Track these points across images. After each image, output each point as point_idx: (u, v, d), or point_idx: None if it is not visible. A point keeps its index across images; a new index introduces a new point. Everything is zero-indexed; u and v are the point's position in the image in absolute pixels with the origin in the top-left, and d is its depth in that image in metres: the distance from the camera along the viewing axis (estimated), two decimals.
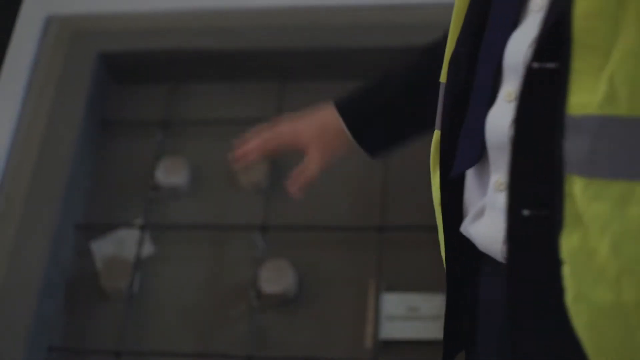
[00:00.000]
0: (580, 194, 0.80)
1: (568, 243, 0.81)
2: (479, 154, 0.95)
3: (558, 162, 0.82)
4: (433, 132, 1.05)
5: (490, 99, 0.94)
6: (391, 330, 1.87)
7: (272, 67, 2.22)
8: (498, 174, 0.93)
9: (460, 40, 0.99)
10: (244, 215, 2.08)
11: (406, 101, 1.37)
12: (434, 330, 1.85)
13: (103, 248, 2.08)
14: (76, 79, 2.18)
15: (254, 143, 1.45)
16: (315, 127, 1.41)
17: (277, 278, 1.95)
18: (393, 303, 1.89)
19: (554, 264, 0.82)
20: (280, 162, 2.13)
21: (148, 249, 2.07)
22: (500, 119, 0.91)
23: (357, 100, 1.40)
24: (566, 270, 0.82)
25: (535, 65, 0.84)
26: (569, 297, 0.82)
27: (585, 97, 0.80)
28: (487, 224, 0.95)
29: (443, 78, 1.03)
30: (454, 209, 1.02)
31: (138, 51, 2.24)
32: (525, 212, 0.85)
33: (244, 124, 2.19)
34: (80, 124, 2.11)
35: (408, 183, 2.02)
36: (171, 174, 2.12)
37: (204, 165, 2.18)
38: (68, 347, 1.98)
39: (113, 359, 1.90)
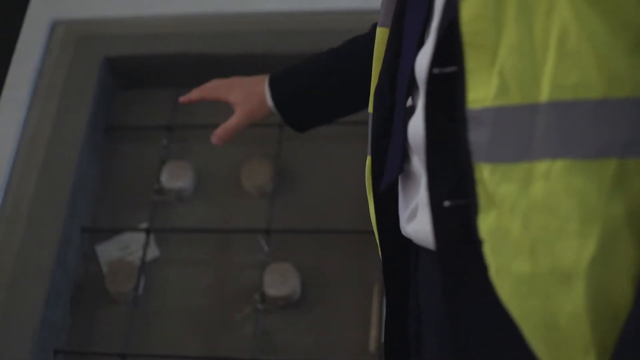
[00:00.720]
0: (489, 179, 0.88)
1: (485, 224, 0.89)
2: (401, 163, 1.05)
3: (466, 153, 0.90)
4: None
5: (407, 112, 1.03)
6: None
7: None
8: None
9: (382, 72, 1.09)
10: (248, 219, 2.09)
11: (330, 83, 1.61)
12: None
13: (108, 251, 2.10)
14: (81, 83, 2.20)
15: (196, 90, 1.76)
16: (246, 91, 1.67)
17: (281, 281, 1.96)
18: None
19: (477, 245, 0.90)
20: (285, 166, 2.15)
21: (153, 252, 2.08)
22: (417, 126, 0.99)
23: (288, 76, 1.64)
24: (486, 249, 0.90)
25: (436, 70, 0.93)
26: (492, 271, 0.90)
27: (481, 92, 0.88)
28: (421, 220, 1.03)
29: (370, 109, 1.13)
30: (391, 223, 1.14)
31: (143, 56, 2.26)
32: (446, 203, 0.95)
33: (248, 128, 2.21)
34: (85, 128, 2.13)
35: None
36: (176, 178, 2.14)
37: (208, 170, 2.19)
38: (74, 349, 1.99)
39: None
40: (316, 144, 2.18)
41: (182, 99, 1.75)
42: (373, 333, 1.89)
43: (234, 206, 2.13)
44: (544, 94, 0.84)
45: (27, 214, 2.01)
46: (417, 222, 1.04)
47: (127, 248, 2.10)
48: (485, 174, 0.88)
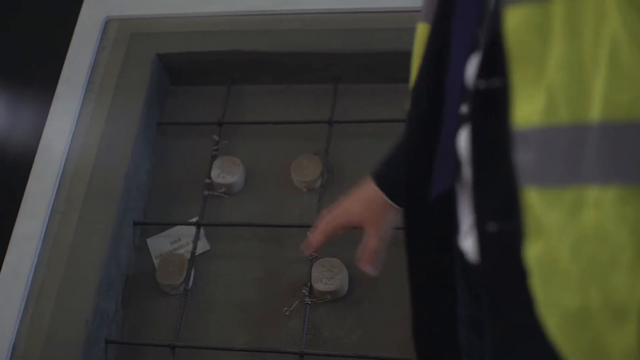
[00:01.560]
0: (537, 203, 0.82)
1: (532, 253, 0.83)
2: (452, 177, 1.00)
3: (513, 175, 0.83)
4: None
5: (459, 122, 0.98)
6: None
7: (326, 69, 2.25)
8: None
9: (421, 70, 1.05)
10: (297, 214, 2.11)
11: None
12: None
13: (159, 244, 2.13)
14: (134, 79, 2.23)
15: (315, 234, 1.52)
16: (363, 205, 1.46)
17: (329, 276, 1.98)
18: None
19: (524, 275, 0.84)
20: (333, 162, 2.16)
21: (203, 245, 2.11)
22: (466, 140, 0.95)
23: (390, 168, 1.43)
24: (534, 281, 0.83)
25: (481, 84, 0.87)
26: (540, 305, 0.84)
27: (527, 108, 0.81)
28: (472, 242, 0.98)
29: (407, 106, 1.08)
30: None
31: (195, 52, 2.29)
32: (492, 228, 0.89)
33: (297, 124, 2.23)
34: (138, 124, 2.16)
35: None
36: (226, 173, 2.16)
37: (258, 165, 2.21)
38: (125, 340, 2.02)
39: (168, 352, 1.94)
40: (364, 141, 2.19)
41: (307, 249, 1.59)
42: None
43: (283, 201, 2.15)
44: (595, 113, 0.77)
45: (81, 208, 2.04)
46: (470, 242, 0.99)
47: (177, 241, 2.13)
48: (533, 198, 0.82)
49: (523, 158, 0.82)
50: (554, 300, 0.82)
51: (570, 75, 0.79)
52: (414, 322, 1.17)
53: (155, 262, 2.10)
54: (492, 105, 0.87)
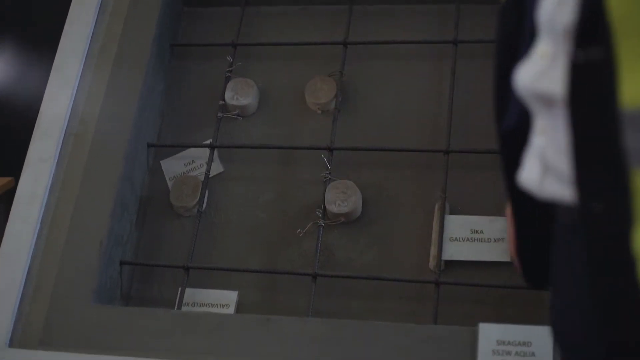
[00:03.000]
0: None
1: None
2: (518, 116, 0.97)
3: (621, 158, 0.78)
4: None
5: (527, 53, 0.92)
6: (454, 251, 1.89)
7: None
8: (537, 120, 0.92)
9: None
10: (312, 136, 2.10)
11: None
12: (496, 253, 1.86)
13: (173, 167, 2.13)
14: (147, 1, 2.20)
15: None
16: None
17: (343, 198, 1.97)
18: (457, 225, 1.91)
19: (631, 265, 0.79)
20: (348, 85, 2.14)
21: (217, 167, 2.10)
22: (530, 76, 0.89)
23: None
24: None
25: (580, 57, 0.79)
26: None
27: (636, 87, 0.75)
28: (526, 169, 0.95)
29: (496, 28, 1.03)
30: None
31: None
32: (597, 208, 0.82)
33: (312, 45, 2.21)
34: (151, 45, 2.14)
35: (475, 107, 2.02)
36: (240, 95, 2.15)
37: (272, 87, 2.20)
38: (139, 262, 2.04)
39: (182, 274, 1.95)
40: (380, 63, 2.17)
41: None
42: (433, 250, 1.90)
43: (298, 124, 2.14)
44: None
45: (95, 130, 2.04)
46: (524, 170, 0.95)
47: (191, 163, 2.13)
48: None
49: (632, 141, 0.76)
50: None
51: None
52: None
53: (169, 184, 2.11)
54: (591, 84, 0.79)
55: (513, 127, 0.99)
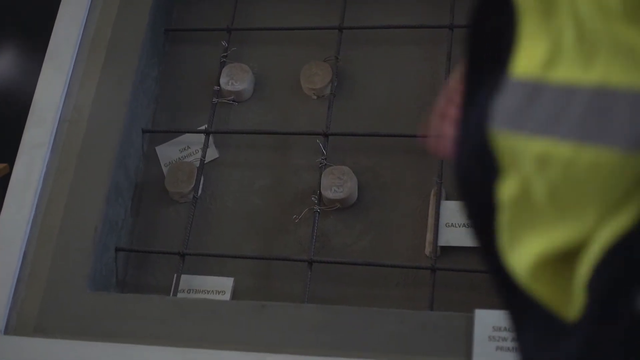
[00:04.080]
0: (510, 146, 0.79)
1: (505, 190, 0.81)
2: None
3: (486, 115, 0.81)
4: None
5: None
6: (450, 237, 1.89)
7: None
8: None
9: None
10: (307, 121, 2.09)
11: None
12: None
13: (168, 152, 2.12)
14: None
15: None
16: None
17: (338, 184, 1.97)
18: (453, 211, 1.90)
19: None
20: (343, 70, 2.13)
21: (212, 153, 2.10)
22: None
23: None
24: (502, 217, 0.82)
25: (487, 25, 0.86)
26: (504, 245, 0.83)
27: (527, 58, 0.78)
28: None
29: None
30: None
31: None
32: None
33: (307, 30, 2.20)
34: (145, 30, 2.13)
35: None
36: (235, 80, 2.14)
37: (267, 72, 2.19)
38: (134, 248, 2.03)
39: (177, 260, 1.94)
40: (375, 48, 2.16)
41: None
42: (429, 236, 1.89)
43: (293, 109, 2.13)
44: (594, 76, 0.73)
45: (88, 116, 2.03)
46: None
47: (186, 149, 2.12)
48: (506, 141, 0.79)
49: (507, 103, 0.79)
50: (517, 241, 0.81)
51: (576, 35, 0.75)
52: None
53: (164, 170, 2.10)
54: (497, 45, 0.84)
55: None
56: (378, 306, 1.77)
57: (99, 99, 2.05)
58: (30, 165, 1.98)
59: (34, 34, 2.67)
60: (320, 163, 1.99)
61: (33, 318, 1.83)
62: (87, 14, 2.15)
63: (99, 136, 2.01)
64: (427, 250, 1.89)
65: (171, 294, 1.91)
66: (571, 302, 0.78)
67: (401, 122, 2.05)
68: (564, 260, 0.78)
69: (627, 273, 0.72)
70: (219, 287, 1.94)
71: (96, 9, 2.16)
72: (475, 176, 0.86)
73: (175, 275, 1.93)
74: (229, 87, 2.13)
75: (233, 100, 2.14)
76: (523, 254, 0.80)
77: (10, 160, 2.04)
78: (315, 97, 2.12)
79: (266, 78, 2.18)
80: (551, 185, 0.76)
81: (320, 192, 1.97)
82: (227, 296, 1.93)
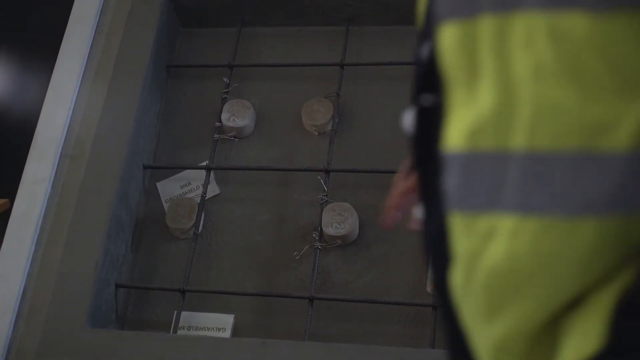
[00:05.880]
0: (459, 229, 0.78)
1: (454, 279, 0.79)
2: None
3: (442, 197, 0.80)
4: None
5: None
6: None
7: (338, 11, 2.21)
8: None
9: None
10: (308, 158, 2.09)
11: None
12: None
13: (169, 188, 2.12)
14: (144, 20, 2.20)
15: None
16: None
17: (340, 220, 1.96)
18: None
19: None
20: (345, 106, 2.14)
21: (213, 189, 2.10)
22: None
23: None
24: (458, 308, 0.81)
25: (427, 99, 0.85)
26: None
27: (456, 131, 0.77)
28: None
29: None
30: None
31: None
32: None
33: (309, 67, 2.20)
34: (147, 66, 2.13)
35: None
36: (237, 116, 2.14)
37: (269, 108, 2.19)
38: (135, 284, 2.02)
39: (178, 296, 1.94)
40: (376, 84, 2.17)
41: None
42: (430, 273, 1.88)
43: (294, 145, 2.13)
44: (520, 141, 0.73)
45: (90, 151, 2.03)
46: None
47: (187, 185, 2.12)
48: (457, 224, 0.78)
49: (449, 181, 0.78)
50: (471, 331, 0.80)
51: (497, 100, 0.74)
52: None
53: (165, 206, 2.10)
54: (430, 122, 0.85)
55: None
56: (379, 344, 1.76)
57: (101, 134, 2.05)
58: (31, 201, 1.98)
59: (36, 65, 2.67)
60: (322, 199, 1.99)
61: (32, 354, 1.82)
62: (89, 49, 2.15)
63: (100, 171, 2.01)
64: (429, 287, 1.88)
65: (171, 330, 1.90)
66: None
67: (402, 158, 2.04)
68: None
69: None
70: (219, 324, 1.94)
71: (99, 43, 2.16)
72: (439, 259, 0.84)
73: (175, 312, 1.92)
74: (231, 123, 2.13)
75: (234, 137, 2.14)
76: (488, 334, 0.78)
77: (11, 195, 2.04)
78: (316, 134, 2.12)
79: (268, 114, 2.18)
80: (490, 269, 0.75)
81: (321, 229, 1.97)
82: (227, 333, 1.92)
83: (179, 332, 1.90)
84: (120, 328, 1.97)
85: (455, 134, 0.77)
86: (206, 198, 2.06)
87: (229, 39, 2.26)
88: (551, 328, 0.74)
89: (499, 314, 0.76)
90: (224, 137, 2.14)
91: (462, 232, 0.77)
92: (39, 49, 2.41)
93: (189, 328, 1.93)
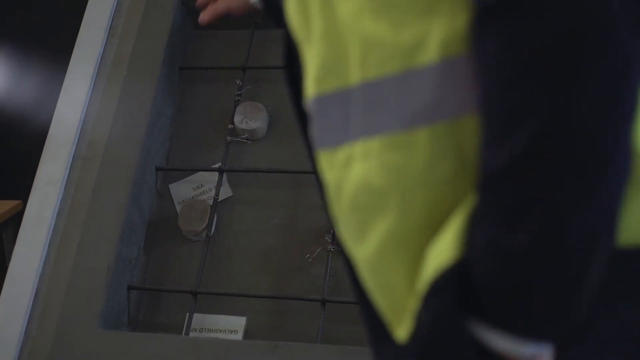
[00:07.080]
0: (324, 166, 0.88)
1: (334, 209, 0.89)
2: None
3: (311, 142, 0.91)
4: None
5: None
6: None
7: None
8: None
9: None
10: None
11: None
12: None
13: (181, 190, 2.12)
14: (157, 23, 2.20)
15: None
16: None
17: None
18: None
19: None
20: None
21: (226, 192, 2.09)
22: None
23: None
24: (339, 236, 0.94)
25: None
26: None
27: (308, 84, 0.87)
28: None
29: None
30: None
31: None
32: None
33: None
34: (160, 68, 2.13)
35: None
36: (249, 118, 2.14)
37: (281, 111, 2.18)
38: (147, 287, 2.02)
39: (190, 298, 1.93)
40: None
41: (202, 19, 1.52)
42: None
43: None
44: (355, 76, 0.82)
45: (103, 154, 2.03)
46: None
47: (200, 187, 2.12)
48: (322, 162, 0.88)
49: (312, 127, 0.88)
50: (352, 253, 0.89)
51: (331, 46, 0.83)
52: None
53: (178, 208, 2.10)
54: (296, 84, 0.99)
55: None
56: None
57: (114, 136, 2.05)
58: (44, 202, 1.98)
59: (52, 70, 2.68)
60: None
61: (44, 355, 1.83)
62: (102, 52, 2.16)
63: (113, 173, 2.01)
64: None
65: (183, 332, 1.89)
66: (403, 322, 0.84)
67: None
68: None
69: (455, 301, 0.77)
70: (231, 326, 1.93)
71: (112, 46, 2.17)
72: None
73: (187, 314, 1.92)
74: (243, 126, 2.13)
75: (247, 139, 2.14)
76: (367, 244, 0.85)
77: (24, 197, 2.04)
78: None
79: (280, 116, 2.18)
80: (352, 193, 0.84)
81: (333, 231, 1.96)
82: (239, 335, 1.92)
83: (191, 334, 1.90)
84: (132, 330, 1.97)
85: (308, 85, 0.87)
86: (218, 200, 2.06)
87: (242, 41, 2.26)
88: (423, 246, 0.81)
89: (369, 231, 0.84)
90: (236, 140, 2.14)
91: (326, 167, 0.87)
92: (55, 55, 2.42)
93: (201, 330, 1.93)
